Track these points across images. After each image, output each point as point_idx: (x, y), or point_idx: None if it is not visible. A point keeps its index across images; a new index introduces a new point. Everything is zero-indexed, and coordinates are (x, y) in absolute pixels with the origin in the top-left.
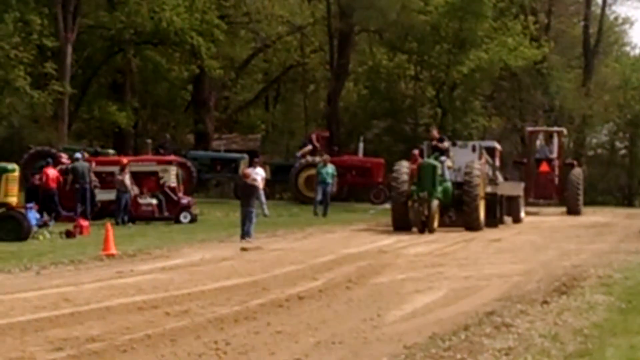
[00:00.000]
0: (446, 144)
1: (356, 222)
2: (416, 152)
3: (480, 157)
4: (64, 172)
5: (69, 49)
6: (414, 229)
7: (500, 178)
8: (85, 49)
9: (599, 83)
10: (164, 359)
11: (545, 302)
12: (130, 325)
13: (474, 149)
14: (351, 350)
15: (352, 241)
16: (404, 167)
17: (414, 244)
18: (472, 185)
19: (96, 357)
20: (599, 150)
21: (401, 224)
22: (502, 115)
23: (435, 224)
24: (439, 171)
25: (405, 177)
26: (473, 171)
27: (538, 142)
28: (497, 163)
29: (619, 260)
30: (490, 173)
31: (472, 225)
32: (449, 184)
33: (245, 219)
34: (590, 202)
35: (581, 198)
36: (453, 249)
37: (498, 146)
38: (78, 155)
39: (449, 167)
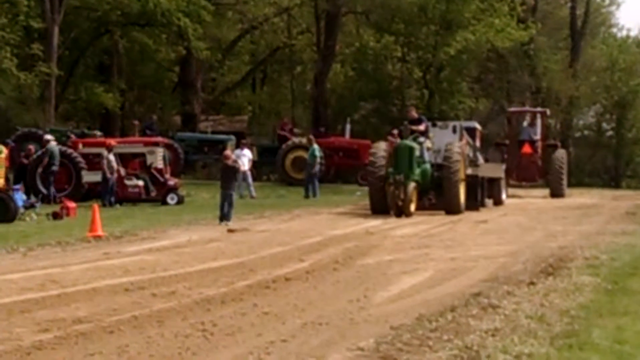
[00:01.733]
0: (423, 125)
1: (343, 204)
2: (395, 132)
3: (460, 138)
4: (42, 154)
5: (56, 30)
6: (392, 213)
7: (481, 159)
8: (71, 30)
9: (586, 64)
10: (150, 340)
11: (532, 283)
12: (116, 307)
13: (454, 130)
14: (338, 331)
15: (339, 223)
16: (381, 149)
17: (400, 226)
18: (452, 166)
19: (83, 338)
20: (586, 132)
21: (379, 208)
22: (489, 97)
23: (413, 207)
24: (417, 152)
25: (382, 159)
26: (453, 152)
27: (525, 123)
28: (478, 144)
29: (606, 242)
30: (471, 154)
31: (452, 208)
32: (427, 166)
33: (225, 202)
34: (577, 183)
35: (565, 180)
36: (439, 231)
37: (479, 127)
38: (49, 137)
39: (428, 149)
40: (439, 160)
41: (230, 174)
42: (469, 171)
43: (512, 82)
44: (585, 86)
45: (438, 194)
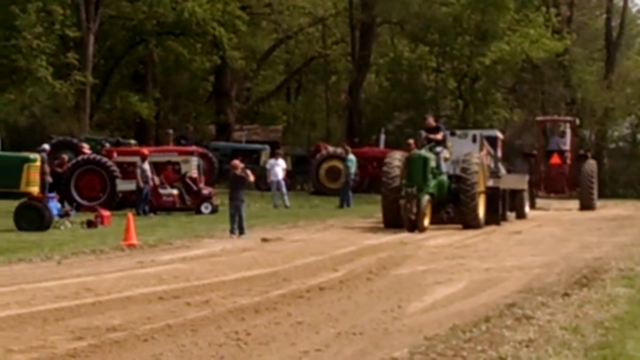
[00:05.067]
0: (440, 134)
1: (377, 214)
2: (412, 141)
3: (481, 148)
4: None
5: (91, 39)
6: (405, 227)
7: (502, 170)
8: (107, 39)
9: (621, 76)
10: (184, 348)
11: (566, 294)
12: (151, 315)
13: (474, 139)
14: (372, 341)
15: (373, 232)
16: (396, 159)
17: (434, 236)
18: (470, 178)
19: (117, 346)
20: (621, 143)
21: (391, 222)
22: (524, 108)
23: (426, 222)
24: (433, 163)
25: (396, 170)
26: (471, 163)
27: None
28: (500, 154)
29: None
30: (492, 165)
31: (470, 223)
32: (444, 177)
33: (235, 213)
34: (612, 195)
35: (595, 192)
36: (474, 241)
37: (500, 135)
38: (46, 146)
39: (445, 159)
40: (458, 172)
41: (239, 183)
42: (490, 183)
43: (546, 93)
44: (620, 97)
45: (456, 207)
